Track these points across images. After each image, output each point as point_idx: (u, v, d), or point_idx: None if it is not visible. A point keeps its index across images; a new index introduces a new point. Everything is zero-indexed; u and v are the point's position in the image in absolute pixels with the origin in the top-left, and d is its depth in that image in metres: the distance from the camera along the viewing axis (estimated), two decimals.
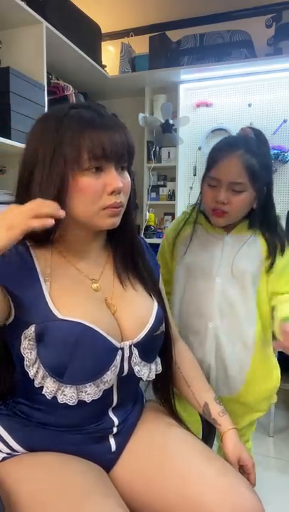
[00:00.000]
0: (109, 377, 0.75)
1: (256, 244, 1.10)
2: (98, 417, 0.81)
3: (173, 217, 2.81)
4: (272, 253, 1.08)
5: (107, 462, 0.83)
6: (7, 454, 0.78)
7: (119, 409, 0.84)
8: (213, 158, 1.07)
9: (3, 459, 0.77)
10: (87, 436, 0.80)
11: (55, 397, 0.73)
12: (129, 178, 0.79)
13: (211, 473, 0.77)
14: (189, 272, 1.15)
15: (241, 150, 1.03)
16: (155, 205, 2.87)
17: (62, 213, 0.62)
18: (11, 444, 0.78)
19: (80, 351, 0.71)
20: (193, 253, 1.14)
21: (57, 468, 0.74)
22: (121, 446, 0.85)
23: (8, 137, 1.58)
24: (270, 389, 1.18)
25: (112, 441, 0.83)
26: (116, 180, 0.73)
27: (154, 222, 2.81)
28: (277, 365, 1.20)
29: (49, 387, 0.72)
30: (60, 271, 0.77)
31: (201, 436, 0.95)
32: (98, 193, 0.72)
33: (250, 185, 1.03)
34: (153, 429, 0.88)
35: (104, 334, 0.74)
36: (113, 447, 0.83)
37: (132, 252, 0.86)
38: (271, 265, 1.08)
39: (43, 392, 0.73)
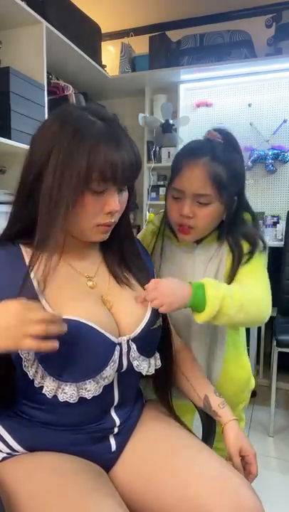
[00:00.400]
0: (109, 372, 0.75)
1: (224, 254, 1.02)
2: (100, 416, 0.81)
3: None
4: (235, 265, 0.99)
5: (106, 462, 0.83)
6: (7, 453, 0.78)
7: (121, 409, 0.84)
8: (177, 167, 0.98)
9: (3, 458, 0.77)
10: (88, 436, 0.80)
11: (55, 396, 0.73)
12: (127, 195, 0.80)
13: (211, 473, 0.77)
14: None
15: (206, 157, 0.93)
16: (155, 205, 2.86)
17: (65, 329, 0.64)
18: (11, 444, 0.78)
19: (78, 348, 0.71)
20: (163, 270, 1.05)
21: (57, 468, 0.74)
22: (121, 446, 0.85)
23: (8, 137, 1.58)
24: (245, 378, 1.16)
25: (112, 441, 0.83)
26: (115, 202, 0.74)
27: None
28: (248, 360, 1.18)
29: (49, 386, 0.72)
30: (56, 273, 0.77)
31: (196, 435, 0.94)
32: (96, 211, 0.74)
33: (217, 197, 0.94)
34: (153, 429, 0.89)
35: (101, 330, 0.74)
36: (113, 447, 0.83)
37: (122, 251, 0.87)
38: (232, 277, 0.99)
39: (43, 392, 0.73)
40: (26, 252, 0.76)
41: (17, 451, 0.78)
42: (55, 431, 0.79)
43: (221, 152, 0.96)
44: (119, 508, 0.68)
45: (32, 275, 0.73)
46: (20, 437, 0.78)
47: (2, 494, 0.69)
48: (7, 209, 0.80)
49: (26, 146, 0.77)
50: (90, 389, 0.73)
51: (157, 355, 0.87)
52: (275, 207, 2.63)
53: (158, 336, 0.86)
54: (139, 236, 1.18)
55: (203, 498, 0.73)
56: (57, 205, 0.70)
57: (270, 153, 2.56)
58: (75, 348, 0.71)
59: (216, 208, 0.96)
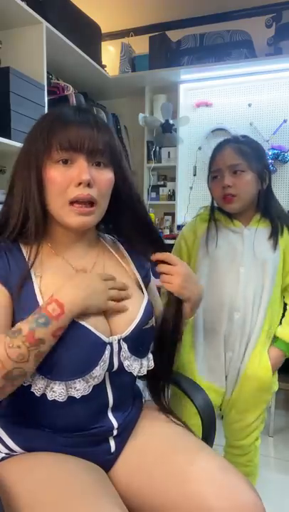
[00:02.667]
0: (98, 372, 0.74)
1: (268, 232, 1.22)
2: (97, 418, 0.81)
3: (173, 217, 2.81)
4: (273, 234, 1.21)
5: (106, 462, 0.83)
6: (5, 454, 0.78)
7: (118, 411, 0.84)
8: (211, 157, 1.25)
9: (2, 459, 0.78)
10: (87, 439, 0.80)
11: (44, 395, 0.73)
12: (110, 176, 0.79)
13: (211, 471, 0.76)
14: (213, 266, 1.24)
15: (231, 142, 1.23)
16: (155, 205, 2.86)
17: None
18: (9, 445, 0.78)
19: (68, 346, 0.71)
20: (216, 248, 1.24)
21: (55, 468, 0.74)
22: (120, 447, 0.85)
23: (8, 137, 1.58)
24: (268, 378, 1.24)
25: (111, 442, 0.83)
26: (83, 172, 0.74)
27: (154, 222, 2.81)
28: (268, 363, 1.24)
29: (38, 384, 0.72)
30: (50, 266, 0.79)
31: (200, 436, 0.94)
32: (64, 184, 0.74)
33: (248, 165, 1.18)
34: (152, 428, 0.88)
35: (92, 329, 0.74)
36: (113, 448, 0.83)
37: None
38: (275, 245, 1.20)
39: (31, 390, 0.73)
40: (22, 244, 0.79)
41: (15, 452, 0.78)
42: (53, 433, 0.79)
43: (240, 138, 1.25)
44: (117, 507, 0.68)
45: (29, 267, 0.76)
46: (18, 438, 0.78)
47: (1, 494, 0.69)
48: None
49: None
50: (79, 388, 0.73)
51: (150, 356, 0.86)
52: None
53: (150, 336, 0.86)
54: (186, 227, 1.35)
55: (203, 496, 0.73)
56: (30, 182, 0.76)
57: (270, 153, 2.56)
58: (65, 346, 0.71)
59: (250, 176, 1.19)
